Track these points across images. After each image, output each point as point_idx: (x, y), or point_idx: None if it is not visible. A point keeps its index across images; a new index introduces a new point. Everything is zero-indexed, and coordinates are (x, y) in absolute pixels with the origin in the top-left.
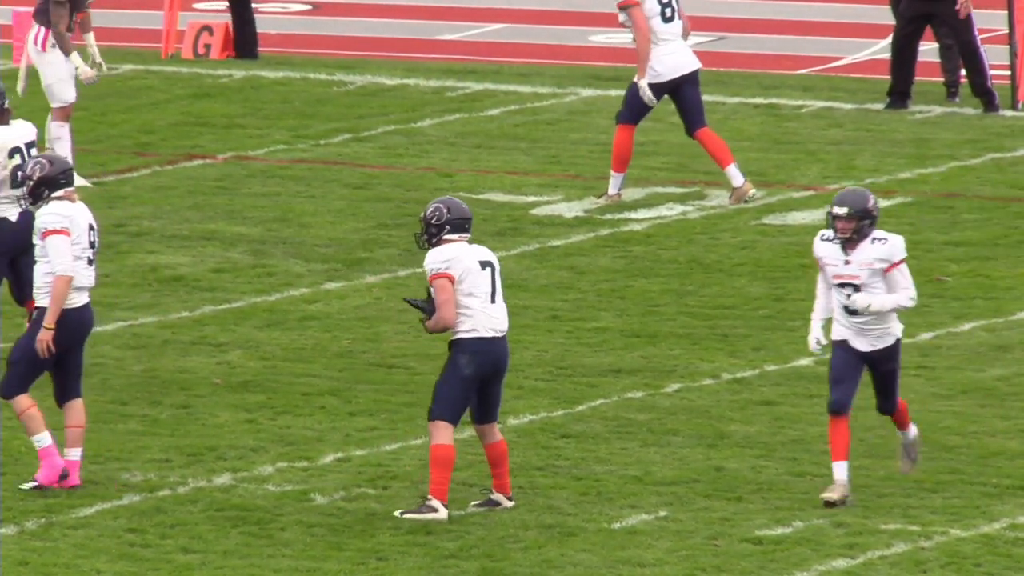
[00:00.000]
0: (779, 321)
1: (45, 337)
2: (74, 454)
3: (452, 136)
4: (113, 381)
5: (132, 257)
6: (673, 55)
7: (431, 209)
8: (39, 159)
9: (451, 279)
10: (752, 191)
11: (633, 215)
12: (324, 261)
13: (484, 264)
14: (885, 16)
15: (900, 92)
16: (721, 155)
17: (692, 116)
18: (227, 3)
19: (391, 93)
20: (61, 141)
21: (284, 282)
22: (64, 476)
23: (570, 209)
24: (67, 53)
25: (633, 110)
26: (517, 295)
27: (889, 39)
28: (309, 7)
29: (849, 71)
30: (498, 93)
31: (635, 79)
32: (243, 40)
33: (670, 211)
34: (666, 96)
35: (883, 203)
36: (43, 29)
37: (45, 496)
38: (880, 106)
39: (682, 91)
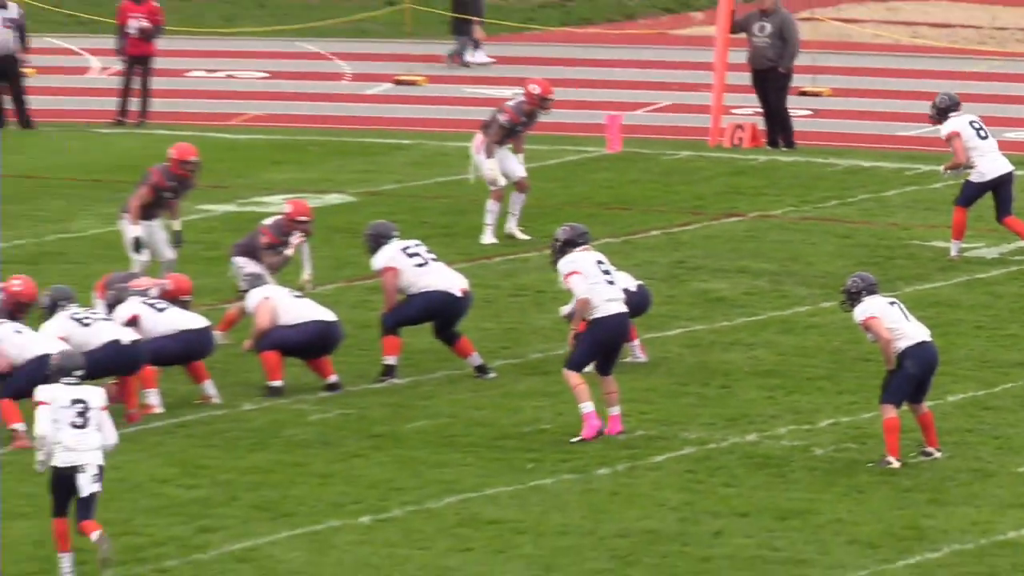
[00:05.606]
0: None
1: (574, 328)
2: (615, 411)
3: (910, 202)
4: (676, 369)
5: (690, 284)
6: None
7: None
8: (565, 227)
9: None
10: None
11: None
12: (821, 287)
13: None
14: None
15: None
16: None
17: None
18: (761, 109)
19: (867, 172)
20: (490, 214)
21: (794, 301)
22: (599, 433)
23: (990, 252)
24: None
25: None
26: (955, 312)
27: None
28: (810, 112)
29: None
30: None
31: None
32: (774, 136)
33: None
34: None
35: None
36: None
37: (631, 447)
38: None
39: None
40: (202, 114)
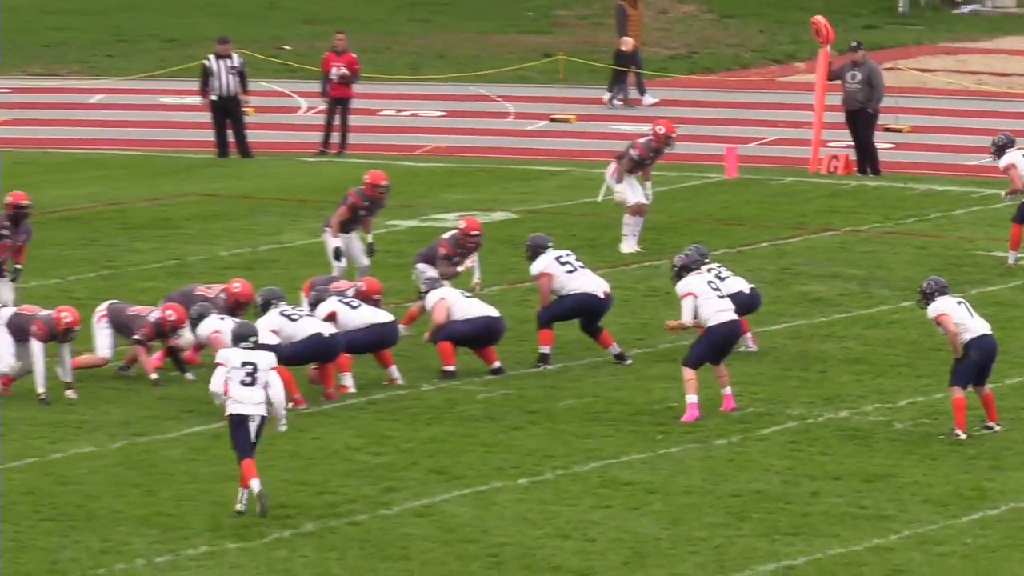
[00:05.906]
0: None
1: (674, 325)
2: (727, 391)
3: (975, 219)
4: (781, 357)
5: (793, 287)
6: None
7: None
8: (681, 255)
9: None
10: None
11: None
12: (901, 290)
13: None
14: None
15: None
16: None
17: None
18: (853, 143)
19: (940, 195)
20: (627, 227)
21: (877, 301)
22: (696, 420)
23: None
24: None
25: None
26: (1012, 310)
27: None
28: (893, 145)
29: None
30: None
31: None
32: (863, 165)
33: None
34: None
35: None
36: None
37: (743, 422)
38: None
39: None
40: (391, 146)
